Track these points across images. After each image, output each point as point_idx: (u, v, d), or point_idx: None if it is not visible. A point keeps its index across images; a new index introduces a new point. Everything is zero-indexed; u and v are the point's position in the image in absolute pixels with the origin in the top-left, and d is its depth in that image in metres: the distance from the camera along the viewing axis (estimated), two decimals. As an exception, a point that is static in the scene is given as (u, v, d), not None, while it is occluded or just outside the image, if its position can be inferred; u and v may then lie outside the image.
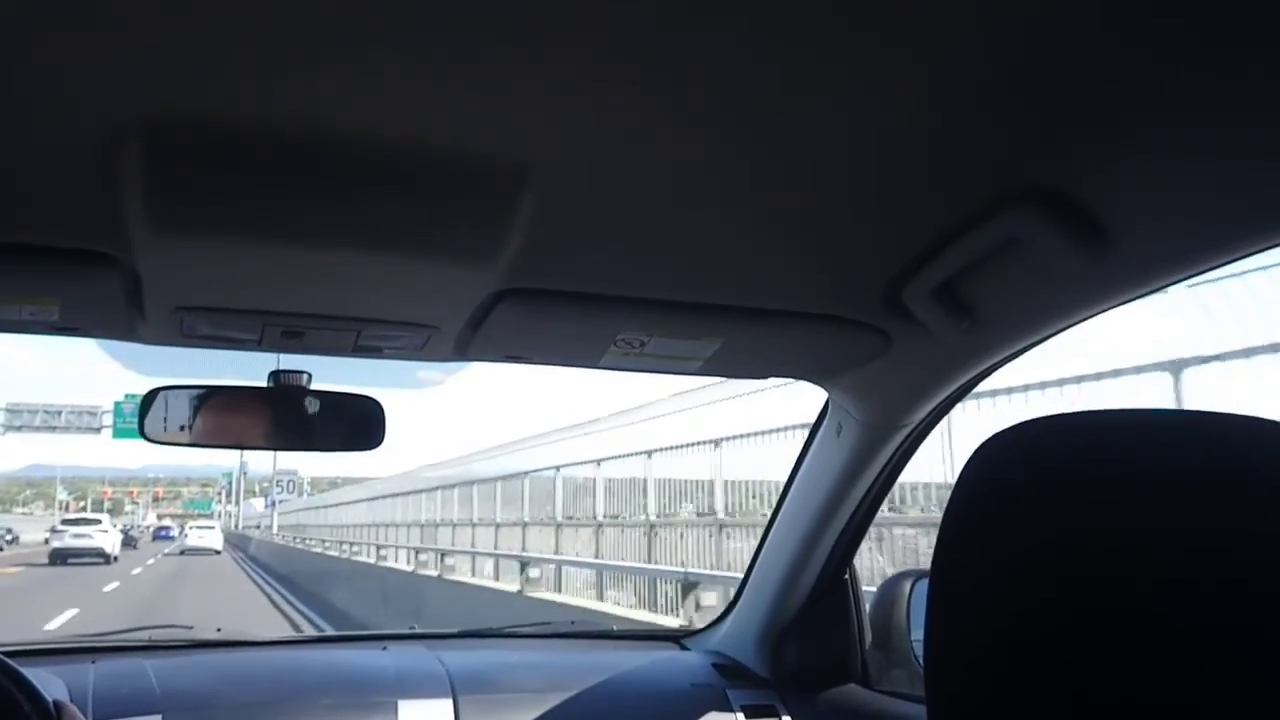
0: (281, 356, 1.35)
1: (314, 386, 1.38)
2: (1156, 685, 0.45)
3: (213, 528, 40.40)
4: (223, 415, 1.39)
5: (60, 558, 27.69)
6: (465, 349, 1.29)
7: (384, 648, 1.82)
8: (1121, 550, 0.47)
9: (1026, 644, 0.48)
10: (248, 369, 1.41)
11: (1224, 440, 0.49)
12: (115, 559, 28.84)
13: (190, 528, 39.70)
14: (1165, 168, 0.83)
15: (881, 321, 1.21)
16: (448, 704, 1.53)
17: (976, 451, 0.54)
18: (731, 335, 1.26)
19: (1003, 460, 0.53)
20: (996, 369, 1.27)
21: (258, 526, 43.73)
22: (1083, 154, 0.84)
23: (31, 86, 0.74)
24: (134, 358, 1.55)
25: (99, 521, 31.94)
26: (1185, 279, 0.96)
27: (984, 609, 0.51)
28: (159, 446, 1.40)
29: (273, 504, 35.51)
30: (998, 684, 0.50)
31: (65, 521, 33.22)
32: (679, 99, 0.77)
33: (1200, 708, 0.45)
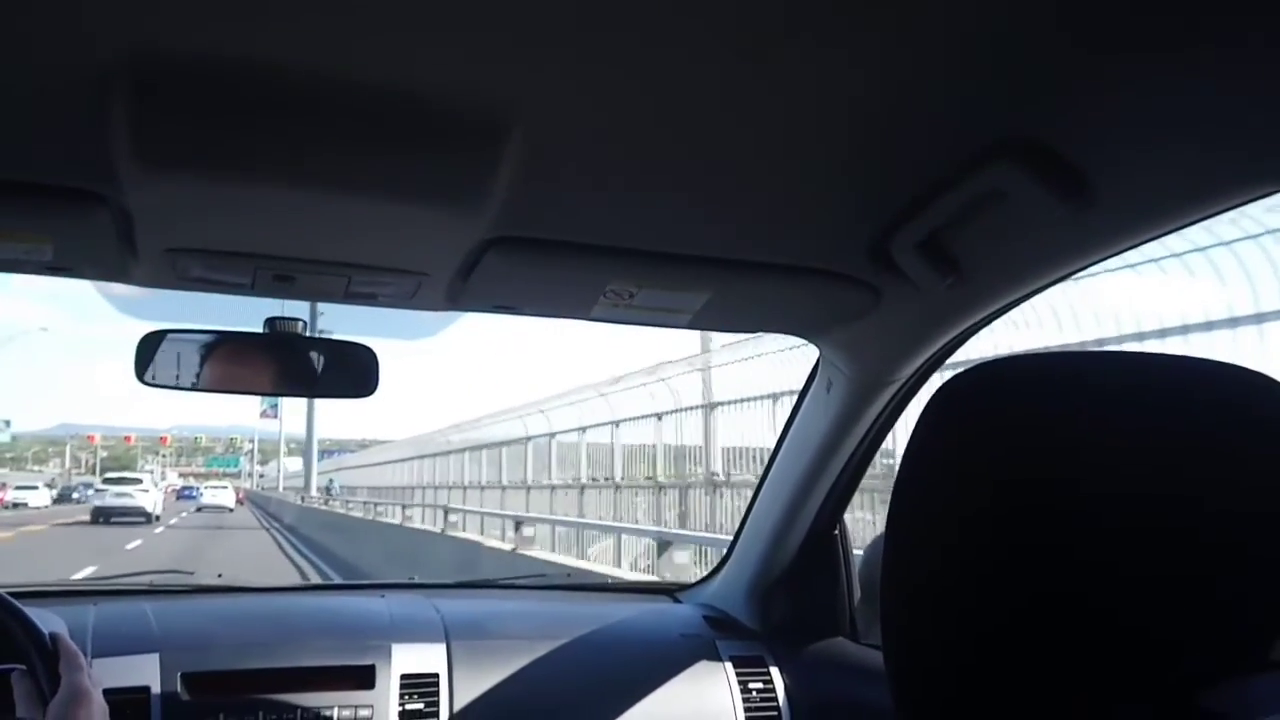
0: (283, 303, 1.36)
1: (309, 334, 1.40)
2: (1108, 633, 0.45)
3: (225, 487, 41.70)
4: (218, 360, 1.40)
5: (101, 516, 28.06)
6: (456, 298, 1.30)
7: (382, 595, 1.85)
8: (1074, 495, 0.47)
9: (980, 589, 0.48)
10: (252, 319, 1.43)
11: (1191, 385, 0.50)
12: (157, 518, 29.22)
13: (205, 488, 40.63)
14: (1147, 119, 0.83)
15: (869, 276, 1.21)
16: (441, 648, 1.56)
17: (934, 395, 0.54)
18: (721, 288, 1.26)
19: (955, 404, 0.53)
20: (984, 324, 1.28)
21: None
22: (1065, 106, 0.84)
23: (21, 21, 0.74)
24: (132, 305, 1.57)
25: (140, 480, 32.41)
26: (1170, 231, 0.96)
27: (933, 556, 0.51)
28: (156, 390, 1.42)
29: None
30: (951, 632, 0.50)
31: (106, 480, 33.87)
32: (667, 48, 0.78)
33: (1153, 651, 0.45)
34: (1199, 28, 0.71)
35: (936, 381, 1.50)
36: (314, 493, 29.47)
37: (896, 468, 0.55)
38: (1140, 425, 0.48)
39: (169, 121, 0.87)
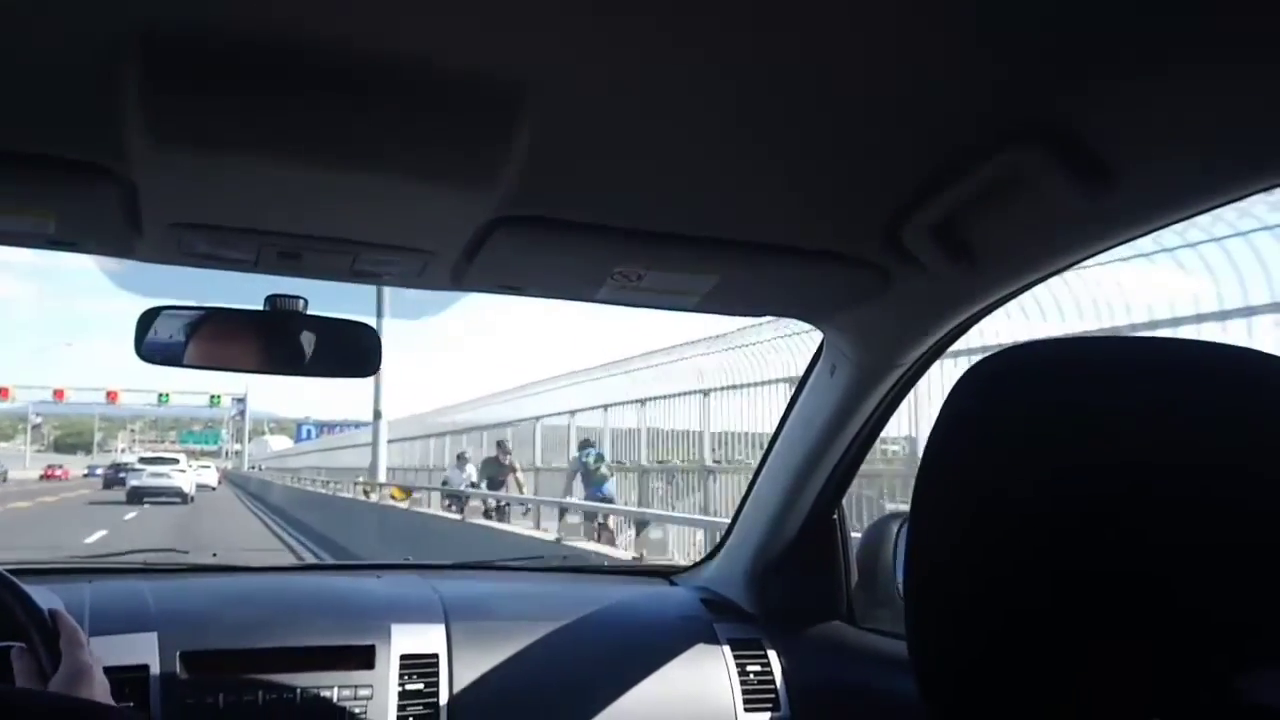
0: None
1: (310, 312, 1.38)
2: (1130, 610, 0.45)
3: (208, 467, 40.43)
4: (219, 338, 1.39)
5: (137, 497, 28.05)
6: (462, 278, 1.29)
7: (378, 576, 1.85)
8: (1104, 478, 0.46)
9: (1005, 578, 0.48)
10: (250, 297, 1.41)
11: (1217, 369, 0.49)
12: (191, 499, 29.13)
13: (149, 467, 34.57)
14: (1171, 103, 0.82)
15: (880, 259, 1.21)
16: (440, 629, 1.56)
17: (961, 379, 0.53)
18: (729, 270, 1.25)
19: (984, 387, 0.53)
20: (994, 309, 1.28)
21: (255, 467, 43.46)
22: (1086, 89, 0.83)
23: None
24: (132, 280, 1.55)
25: (176, 461, 32.59)
26: (1188, 217, 0.96)
27: (960, 541, 0.51)
28: (170, 380, 1.41)
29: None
30: (974, 619, 0.50)
31: (143, 460, 33.88)
32: (680, 23, 0.77)
33: (1173, 631, 0.45)
34: (1224, 11, 0.71)
35: (945, 366, 1.52)
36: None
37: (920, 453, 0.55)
38: (1174, 405, 0.47)
39: (177, 95, 0.85)
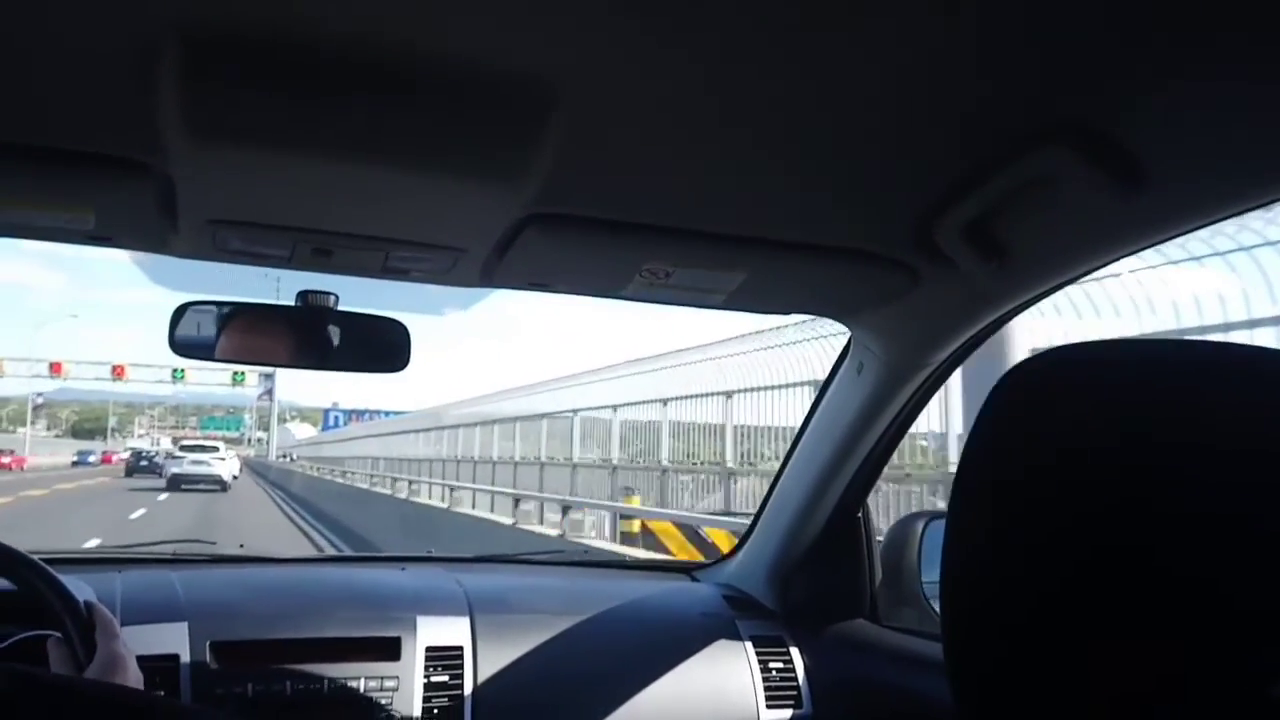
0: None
1: (341, 308, 1.40)
2: (1171, 625, 0.45)
3: (223, 456, 39.67)
4: (251, 332, 1.41)
5: (176, 484, 28.46)
6: (491, 274, 1.30)
7: (402, 568, 1.87)
8: (1143, 481, 0.46)
9: (1041, 579, 0.48)
10: (265, 289, 1.42)
11: (1259, 372, 0.49)
12: (228, 487, 29.56)
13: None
14: (1206, 104, 0.82)
15: (910, 258, 1.21)
16: (465, 621, 1.57)
17: (1001, 380, 0.53)
18: (758, 268, 1.26)
19: (1025, 390, 0.52)
20: (1023, 309, 1.27)
21: (285, 456, 42.25)
22: (1120, 90, 0.83)
23: None
24: (164, 272, 1.57)
25: (216, 449, 32.80)
26: (1222, 219, 0.96)
27: (998, 542, 0.51)
28: (191, 361, 1.42)
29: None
30: (1010, 620, 0.50)
31: (183, 448, 34.25)
32: (712, 26, 0.77)
33: (1211, 649, 0.45)
34: (1258, 10, 0.70)
35: (973, 365, 1.51)
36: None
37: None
38: (1214, 408, 0.47)
39: (216, 93, 0.87)
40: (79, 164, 1.00)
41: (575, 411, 11.84)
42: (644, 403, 10.14)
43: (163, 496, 24.60)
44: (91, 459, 57.34)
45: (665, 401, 9.67)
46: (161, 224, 1.14)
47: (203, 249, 1.23)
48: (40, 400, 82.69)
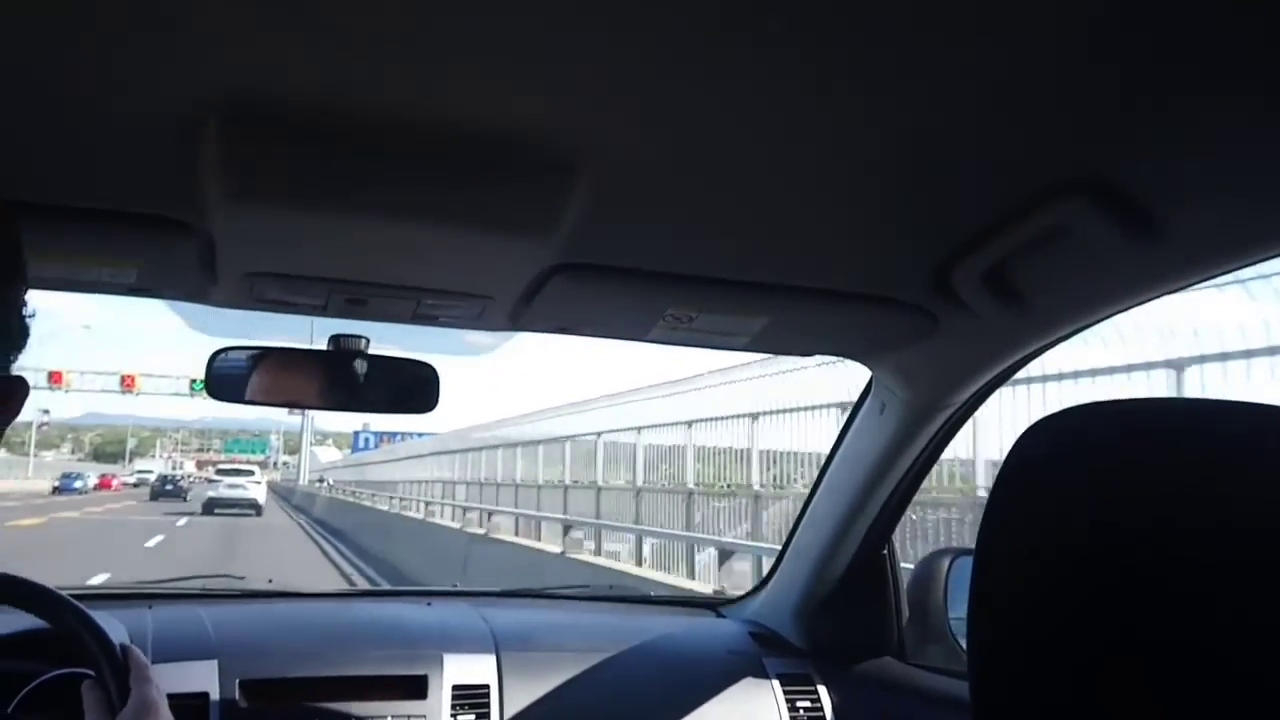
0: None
1: (371, 350, 1.43)
2: (1197, 671, 0.46)
3: (255, 478, 38.81)
4: (285, 375, 1.44)
5: (211, 507, 28.69)
6: (518, 319, 1.33)
7: (428, 603, 1.88)
8: (1168, 538, 0.47)
9: (1067, 628, 0.49)
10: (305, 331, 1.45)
11: (1271, 431, 0.50)
12: (261, 510, 29.85)
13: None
14: (1216, 157, 0.83)
15: (929, 303, 1.22)
16: (491, 659, 1.58)
17: (1024, 434, 0.55)
18: (779, 313, 1.28)
19: (1050, 443, 0.54)
20: (1042, 353, 1.28)
21: (320, 480, 39.04)
22: (1133, 144, 0.84)
23: (119, 61, 0.77)
24: (198, 317, 1.61)
25: (253, 473, 33.11)
26: (1235, 269, 0.97)
27: (1025, 591, 0.52)
28: (224, 404, 1.46)
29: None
30: (1041, 671, 0.51)
31: (220, 471, 34.48)
32: (735, 87, 0.80)
33: (1236, 698, 0.45)
34: (1268, 67, 0.71)
35: (993, 403, 1.51)
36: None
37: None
38: (1243, 470, 0.48)
39: (257, 156, 0.90)
40: (125, 224, 1.04)
41: (599, 434, 11.83)
42: (668, 425, 10.08)
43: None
44: (79, 484, 46.37)
45: (690, 424, 9.60)
46: (201, 277, 1.18)
47: (240, 299, 1.26)
48: (46, 421, 75.06)
